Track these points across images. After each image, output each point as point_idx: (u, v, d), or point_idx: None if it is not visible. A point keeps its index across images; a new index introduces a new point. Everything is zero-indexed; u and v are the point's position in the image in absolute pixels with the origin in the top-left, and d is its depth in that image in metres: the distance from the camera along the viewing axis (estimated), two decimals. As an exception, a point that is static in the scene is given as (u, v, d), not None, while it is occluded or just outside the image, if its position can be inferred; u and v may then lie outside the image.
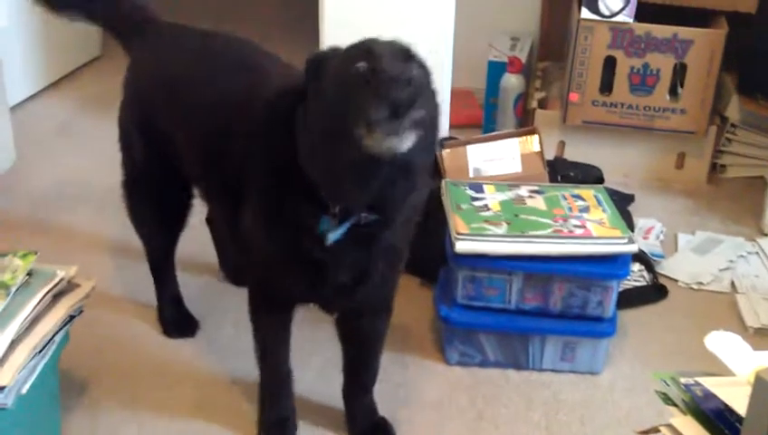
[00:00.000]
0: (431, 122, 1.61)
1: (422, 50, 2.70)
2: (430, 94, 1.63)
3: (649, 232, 2.79)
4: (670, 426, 1.36)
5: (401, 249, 1.84)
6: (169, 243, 2.30)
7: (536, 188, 2.34)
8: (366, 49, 1.57)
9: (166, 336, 2.33)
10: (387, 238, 1.74)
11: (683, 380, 1.39)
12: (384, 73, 1.50)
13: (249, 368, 2.04)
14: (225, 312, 2.36)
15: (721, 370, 1.67)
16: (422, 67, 1.62)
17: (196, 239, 2.50)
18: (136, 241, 2.60)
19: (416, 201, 1.75)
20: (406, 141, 1.53)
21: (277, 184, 1.73)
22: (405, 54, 1.59)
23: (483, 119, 3.35)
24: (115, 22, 2.24)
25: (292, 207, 1.72)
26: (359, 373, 2.03)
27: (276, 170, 1.72)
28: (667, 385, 1.42)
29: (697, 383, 1.39)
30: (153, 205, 2.22)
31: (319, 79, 1.63)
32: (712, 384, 1.37)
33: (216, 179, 1.98)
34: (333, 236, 1.70)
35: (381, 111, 1.49)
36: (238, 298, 1.99)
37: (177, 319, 2.36)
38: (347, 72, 1.56)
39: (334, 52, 1.66)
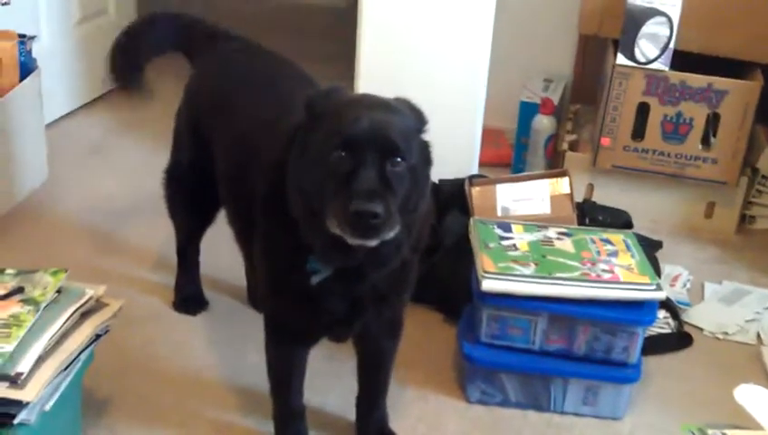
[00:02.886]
0: (415, 177, 1.65)
1: (455, 89, 2.74)
2: (415, 146, 1.66)
3: (676, 280, 2.78)
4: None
5: (405, 274, 1.85)
6: (195, 234, 2.46)
7: (565, 230, 2.33)
8: (348, 138, 1.59)
9: (173, 309, 2.50)
10: (379, 275, 1.76)
11: (710, 431, 1.38)
12: (355, 201, 1.54)
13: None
14: (250, 338, 2.35)
15: (745, 422, 1.67)
16: (410, 123, 1.67)
17: (228, 261, 2.53)
18: (164, 260, 2.63)
19: (413, 241, 1.76)
20: (375, 241, 1.60)
21: (275, 219, 1.77)
22: (384, 144, 1.60)
23: (512, 158, 3.36)
24: (187, 47, 2.41)
25: (285, 242, 1.76)
26: (369, 385, 2.07)
27: (275, 205, 1.75)
28: (694, 436, 1.42)
29: (725, 436, 1.38)
30: (187, 200, 2.38)
31: (309, 125, 1.67)
32: (739, 437, 1.36)
33: (236, 205, 2.06)
34: (316, 278, 1.74)
35: (349, 230, 1.57)
36: (262, 324, 1.99)
37: (187, 297, 2.52)
38: (325, 153, 1.60)
39: (328, 97, 1.69)
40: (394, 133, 1.61)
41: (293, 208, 1.70)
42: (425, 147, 1.71)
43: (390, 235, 1.61)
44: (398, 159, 1.61)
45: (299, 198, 1.68)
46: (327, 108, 1.67)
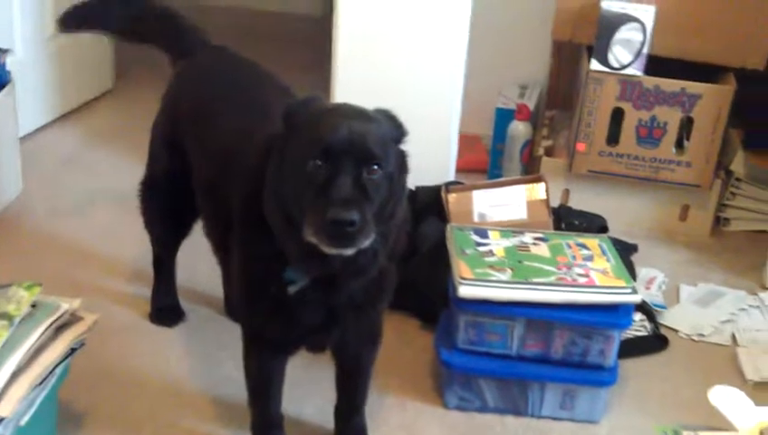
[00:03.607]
0: (391, 185, 1.66)
1: (431, 96, 2.75)
2: (392, 154, 1.67)
3: (651, 282, 2.79)
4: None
5: (382, 283, 1.85)
6: (172, 245, 2.45)
7: (541, 235, 2.34)
8: (325, 147, 1.60)
9: (150, 322, 2.49)
10: (355, 284, 1.77)
11: (685, 433, 1.39)
12: (332, 209, 1.55)
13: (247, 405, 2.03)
14: (227, 348, 2.35)
15: (720, 423, 1.68)
16: (386, 130, 1.67)
17: (204, 271, 2.54)
18: (140, 272, 2.62)
19: (388, 248, 1.76)
20: (351, 250, 1.60)
21: (252, 228, 1.78)
22: (360, 152, 1.61)
23: (488, 164, 3.37)
24: (169, 43, 2.38)
25: (262, 252, 1.77)
26: (348, 394, 2.07)
27: (252, 215, 1.76)
28: (668, 438, 1.42)
29: (698, 437, 1.39)
30: (163, 211, 2.36)
31: (287, 135, 1.68)
32: (713, 439, 1.37)
33: (213, 215, 2.05)
34: (293, 287, 1.75)
35: (325, 239, 1.58)
36: (239, 334, 1.99)
37: (163, 308, 2.51)
38: (303, 162, 1.61)
39: (306, 106, 1.71)
40: (370, 141, 1.62)
41: (271, 218, 1.70)
42: (401, 155, 1.72)
43: (366, 243, 1.61)
44: (375, 167, 1.62)
45: (276, 207, 1.68)
46: (304, 117, 1.68)
